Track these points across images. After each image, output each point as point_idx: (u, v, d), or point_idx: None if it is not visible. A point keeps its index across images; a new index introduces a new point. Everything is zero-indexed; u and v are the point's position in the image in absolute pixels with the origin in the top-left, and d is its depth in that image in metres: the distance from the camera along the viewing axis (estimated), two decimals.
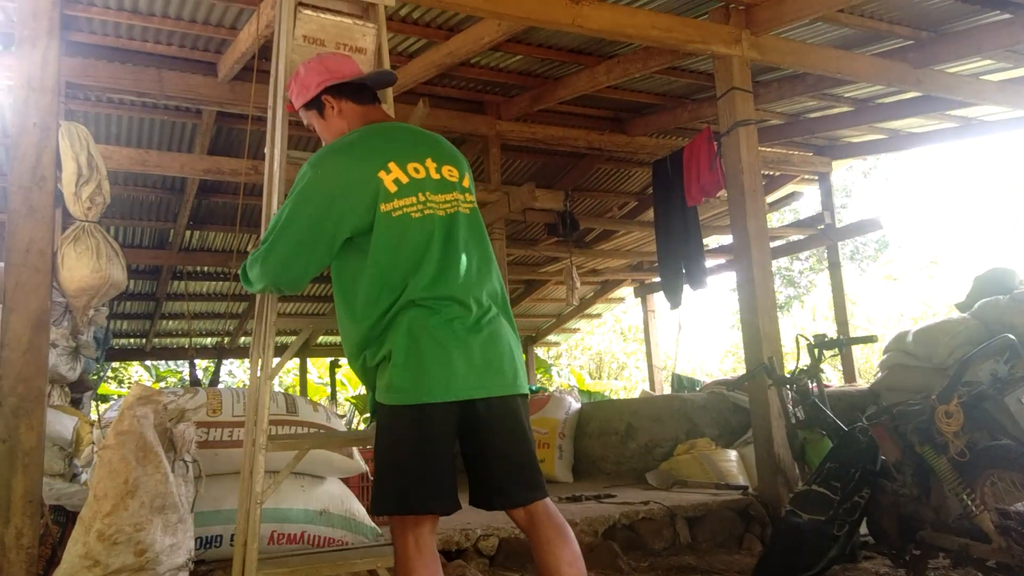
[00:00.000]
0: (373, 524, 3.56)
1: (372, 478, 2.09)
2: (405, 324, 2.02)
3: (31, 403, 2.93)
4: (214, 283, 9.56)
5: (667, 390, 9.37)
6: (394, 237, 2.07)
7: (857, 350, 10.38)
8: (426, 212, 2.11)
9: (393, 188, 2.09)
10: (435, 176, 2.16)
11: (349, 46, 2.67)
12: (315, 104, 2.32)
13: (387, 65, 2.73)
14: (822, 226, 8.23)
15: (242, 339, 11.41)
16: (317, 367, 15.46)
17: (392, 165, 2.11)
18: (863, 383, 7.28)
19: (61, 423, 3.67)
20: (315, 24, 2.61)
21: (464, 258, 2.12)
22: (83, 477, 3.69)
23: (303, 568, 2.29)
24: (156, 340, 11.06)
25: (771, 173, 8.00)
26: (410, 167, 2.14)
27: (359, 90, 2.32)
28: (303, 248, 2.11)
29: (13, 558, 2.77)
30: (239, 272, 2.29)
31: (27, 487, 2.85)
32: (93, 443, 3.48)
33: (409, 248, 2.07)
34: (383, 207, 2.07)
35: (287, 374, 17.10)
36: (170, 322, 10.61)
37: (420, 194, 2.11)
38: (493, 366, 2.07)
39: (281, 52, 2.58)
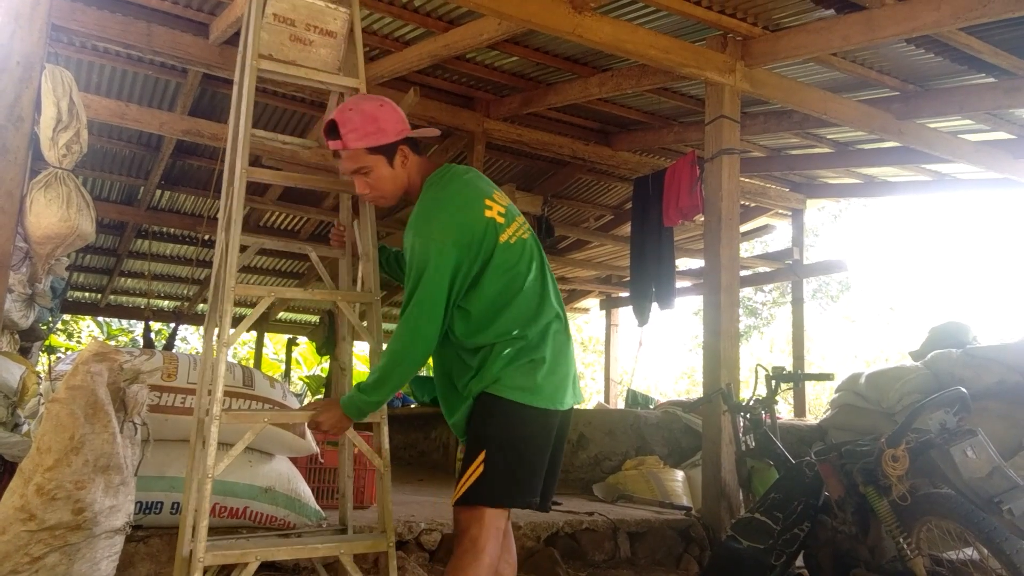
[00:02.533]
0: (317, 507, 3.53)
1: (482, 467, 2.08)
2: (551, 335, 2.20)
3: None
4: (179, 246, 9.40)
5: (621, 405, 9.45)
6: (521, 260, 2.22)
7: (810, 386, 10.56)
8: (523, 235, 2.28)
9: (501, 220, 2.21)
10: (505, 205, 2.29)
11: (319, 28, 2.66)
12: (386, 151, 2.25)
13: (359, 50, 2.71)
14: (790, 261, 8.37)
15: (200, 305, 11.25)
16: (274, 343, 15.28)
17: (488, 201, 2.22)
18: (812, 419, 7.42)
19: (8, 370, 3.57)
20: (286, 4, 2.60)
21: (551, 275, 2.34)
22: (25, 428, 3.60)
23: (258, 551, 2.22)
24: (112, 297, 10.85)
25: (747, 204, 8.11)
26: (496, 197, 2.27)
27: (416, 142, 2.34)
28: (438, 315, 2.15)
29: None
30: (384, 379, 2.21)
31: None
32: (40, 394, 3.40)
33: (535, 269, 2.24)
34: (501, 238, 2.20)
35: (242, 346, 16.88)
36: (129, 280, 10.42)
37: (515, 220, 2.27)
38: (575, 378, 2.31)
39: (250, 30, 2.55)
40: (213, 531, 3.23)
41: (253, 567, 2.03)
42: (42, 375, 3.83)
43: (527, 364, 2.14)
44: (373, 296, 2.52)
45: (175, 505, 3.11)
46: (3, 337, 3.89)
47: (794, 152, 7.08)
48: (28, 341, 4.54)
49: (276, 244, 2.93)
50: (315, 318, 11.59)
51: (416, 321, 2.13)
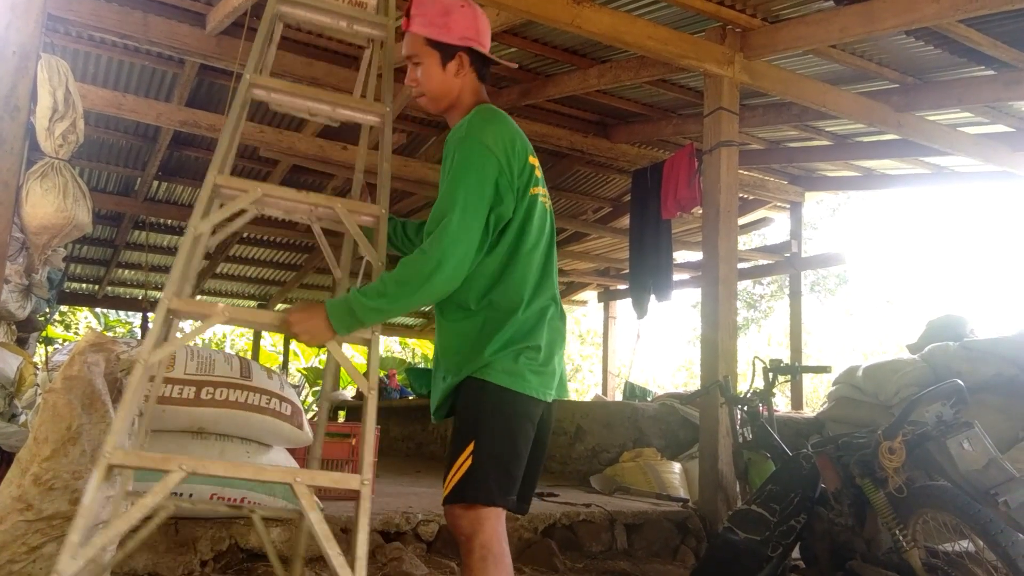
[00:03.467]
0: (315, 498, 3.52)
1: (470, 459, 1.86)
2: (546, 319, 2.02)
3: None
4: (176, 237, 9.38)
5: (619, 397, 9.46)
6: (542, 226, 2.06)
7: (807, 379, 10.59)
8: (547, 203, 2.13)
9: (539, 173, 2.08)
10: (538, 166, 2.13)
11: None
12: (444, 49, 2.08)
13: (391, 14, 2.46)
14: (788, 254, 8.37)
15: (198, 297, 11.23)
16: (272, 334, 15.28)
17: (532, 149, 2.08)
18: (809, 411, 7.44)
19: (5, 361, 3.57)
20: None
21: (555, 259, 2.15)
22: (22, 418, 3.60)
23: (184, 459, 1.75)
24: (109, 288, 10.83)
25: (745, 196, 8.11)
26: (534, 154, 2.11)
27: (483, 65, 2.15)
28: (478, 229, 1.91)
29: None
30: (390, 284, 1.87)
31: None
32: (37, 385, 3.40)
33: (546, 239, 2.09)
34: (532, 190, 2.02)
35: (240, 338, 16.88)
36: (126, 271, 10.40)
37: (544, 185, 2.12)
38: (563, 371, 2.14)
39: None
40: (215, 520, 3.24)
41: (176, 477, 1.68)
42: (39, 366, 3.82)
43: (521, 349, 1.96)
44: (380, 208, 2.13)
45: (173, 495, 3.11)
46: (0, 328, 3.89)
47: (793, 144, 7.07)
48: (25, 332, 4.54)
49: (284, 193, 2.63)
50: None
51: (455, 234, 1.85)
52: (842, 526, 3.20)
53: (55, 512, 2.42)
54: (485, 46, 2.14)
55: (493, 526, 1.90)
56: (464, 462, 1.88)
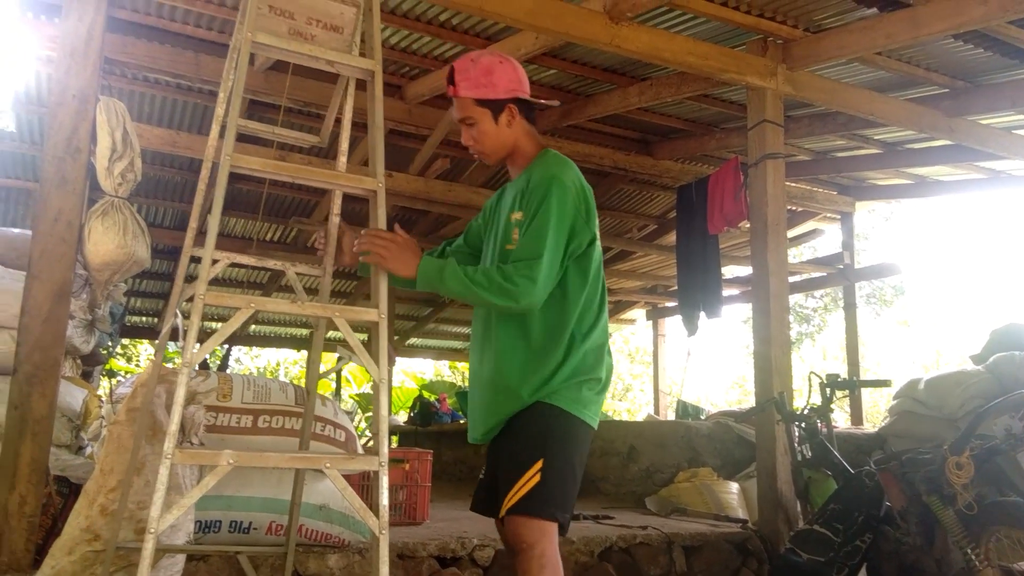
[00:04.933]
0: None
1: (538, 476, 2.00)
2: (605, 352, 2.19)
3: (45, 372, 2.95)
4: (230, 269, 9.60)
5: (671, 416, 9.34)
6: (600, 263, 2.22)
7: (866, 394, 10.30)
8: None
9: (597, 219, 2.21)
10: None
11: (322, 23, 2.41)
12: (493, 106, 2.23)
13: (376, 30, 2.38)
14: (841, 266, 8.20)
15: (252, 327, 11.47)
16: (324, 361, 15.52)
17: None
18: (870, 427, 7.23)
19: (71, 394, 3.69)
20: None
21: None
22: (88, 450, 3.71)
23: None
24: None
25: (794, 208, 7.98)
26: None
27: (530, 110, 2.31)
28: (560, 269, 2.10)
29: (15, 525, 2.79)
30: (486, 286, 2.04)
31: (34, 455, 2.87)
32: (102, 417, 3.50)
33: (602, 275, 2.24)
34: (596, 230, 2.19)
35: (293, 365, 17.15)
36: (185, 304, 10.65)
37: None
38: None
39: (245, 22, 2.24)
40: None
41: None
42: (103, 398, 3.94)
43: (584, 380, 2.11)
44: (379, 313, 2.04)
45: (233, 524, 3.16)
46: (66, 362, 4.02)
47: (841, 154, 6.94)
48: (89, 366, 4.68)
49: (248, 259, 2.64)
50: (364, 336, 11.71)
51: (544, 277, 2.03)
52: (910, 546, 3.10)
53: (122, 542, 2.48)
54: (527, 92, 2.28)
55: (551, 539, 2.03)
56: (532, 478, 2.01)
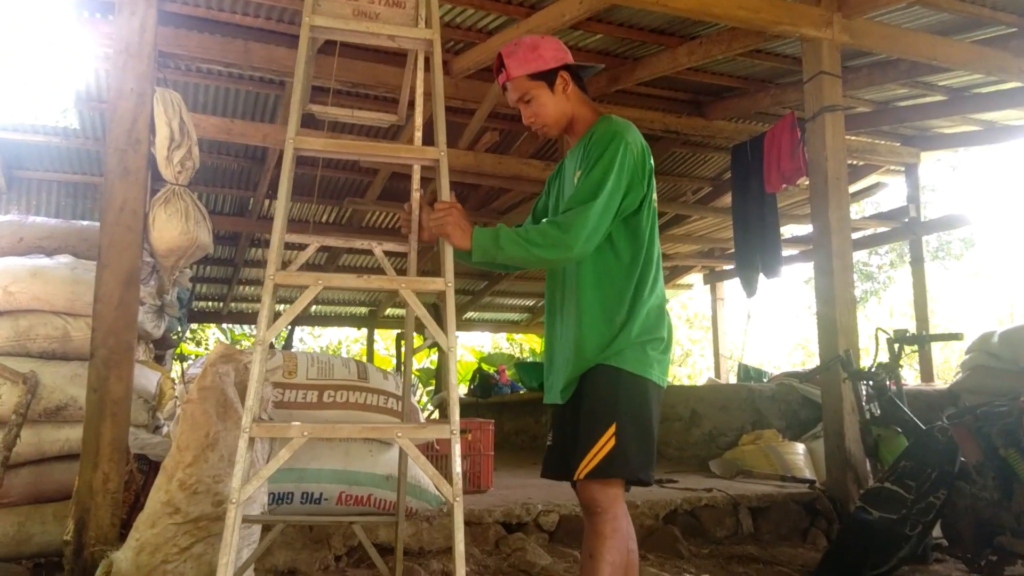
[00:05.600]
0: (437, 493, 3.62)
1: (613, 440, 2.03)
2: (665, 312, 2.23)
3: (120, 355, 3.08)
4: (291, 252, 9.82)
5: (733, 380, 9.23)
6: (656, 227, 2.24)
7: (936, 350, 10.00)
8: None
9: (654, 181, 2.25)
10: None
11: (385, 0, 2.40)
12: (546, 77, 2.29)
13: (435, 21, 2.39)
14: (906, 219, 7.93)
15: (313, 307, 11.72)
16: (384, 338, 15.78)
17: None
18: (941, 383, 7.02)
19: (146, 377, 3.83)
20: None
21: None
22: (165, 430, 3.86)
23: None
24: (233, 304, 11.44)
25: (855, 163, 7.73)
26: None
27: (580, 76, 2.36)
28: (612, 217, 2.13)
29: (100, 501, 2.93)
30: (533, 238, 2.07)
31: (115, 434, 3.00)
32: (176, 397, 3.64)
33: (657, 240, 2.25)
34: (653, 193, 2.22)
35: (354, 343, 17.50)
36: (247, 287, 10.95)
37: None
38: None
39: (309, 6, 2.26)
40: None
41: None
42: (176, 380, 4.09)
43: (648, 340, 2.14)
44: (446, 282, 2.04)
45: (304, 495, 3.27)
46: (139, 347, 4.18)
47: (903, 104, 6.68)
48: (161, 350, 4.85)
49: (336, 241, 2.70)
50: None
51: (596, 219, 2.05)
52: (987, 500, 3.01)
53: (201, 514, 2.58)
54: (572, 60, 2.35)
55: (623, 504, 2.10)
56: (607, 442, 2.05)
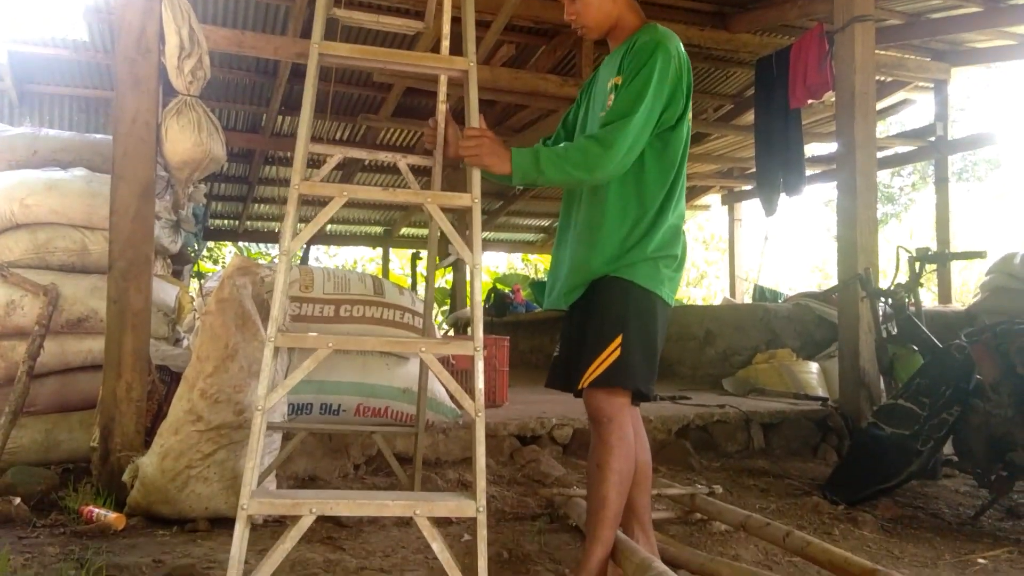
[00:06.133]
0: (453, 406, 3.68)
1: (619, 351, 2.03)
2: (681, 231, 2.20)
3: (139, 267, 3.09)
4: (308, 169, 9.74)
5: (748, 301, 9.21)
6: (687, 144, 2.18)
7: (955, 271, 9.89)
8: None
9: (691, 99, 2.19)
10: None
11: None
12: None
13: None
14: (932, 138, 7.73)
15: (328, 226, 11.71)
16: (399, 257, 15.82)
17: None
18: (959, 305, 6.98)
19: (164, 291, 3.87)
20: None
21: None
22: (185, 342, 3.92)
23: (313, 503, 1.76)
24: (248, 223, 11.45)
25: (882, 79, 7.48)
26: None
27: None
28: (651, 130, 2.08)
29: (124, 409, 2.99)
30: (575, 154, 2.04)
31: (136, 345, 3.04)
32: (195, 310, 3.67)
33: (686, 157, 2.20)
34: (689, 109, 2.16)
35: (370, 262, 17.57)
36: (262, 206, 10.94)
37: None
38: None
39: None
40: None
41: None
42: (194, 293, 4.12)
43: (661, 257, 2.12)
44: (472, 198, 2.00)
45: (324, 406, 3.33)
46: (157, 262, 4.20)
47: (936, 16, 6.41)
48: (179, 265, 4.88)
49: (361, 153, 2.65)
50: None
51: (637, 132, 2.02)
52: (1001, 418, 3.02)
53: (222, 422, 2.64)
54: None
55: (627, 413, 2.12)
56: (612, 353, 2.05)
